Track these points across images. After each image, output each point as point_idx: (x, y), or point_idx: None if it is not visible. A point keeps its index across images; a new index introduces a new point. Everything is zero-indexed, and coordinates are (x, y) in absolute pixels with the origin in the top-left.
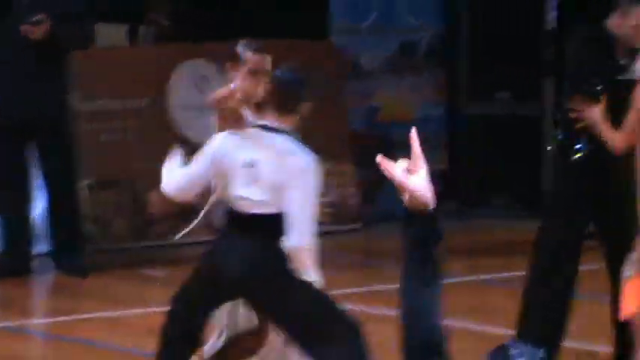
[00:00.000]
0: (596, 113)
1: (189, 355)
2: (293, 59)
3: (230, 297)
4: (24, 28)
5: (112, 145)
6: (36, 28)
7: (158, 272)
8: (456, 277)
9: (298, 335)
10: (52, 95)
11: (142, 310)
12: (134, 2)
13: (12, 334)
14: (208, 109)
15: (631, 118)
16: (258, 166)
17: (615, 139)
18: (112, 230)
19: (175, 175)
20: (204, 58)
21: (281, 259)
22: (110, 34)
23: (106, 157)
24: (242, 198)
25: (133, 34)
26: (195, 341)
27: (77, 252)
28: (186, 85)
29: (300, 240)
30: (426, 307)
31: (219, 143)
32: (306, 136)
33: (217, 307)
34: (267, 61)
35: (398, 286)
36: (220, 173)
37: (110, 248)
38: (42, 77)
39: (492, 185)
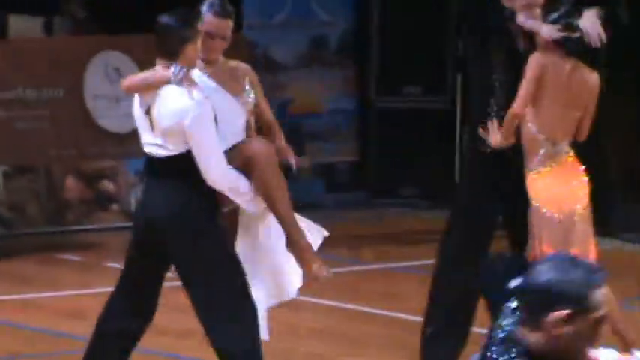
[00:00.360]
0: (496, 138)
1: (123, 353)
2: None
3: (162, 255)
4: None
5: (27, 133)
6: None
7: (71, 256)
8: (366, 264)
9: (203, 300)
10: None
11: (54, 293)
12: None
13: None
14: (122, 98)
15: (523, 91)
16: (152, 111)
17: (516, 114)
18: (27, 215)
19: None
20: (118, 50)
21: (195, 201)
22: (25, 26)
23: (21, 145)
24: (147, 144)
25: (48, 27)
26: (131, 339)
27: None
28: (101, 75)
29: (212, 179)
30: None
31: None
32: None
33: (163, 274)
34: (228, 25)
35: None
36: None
37: (25, 233)
38: None
39: (402, 176)
